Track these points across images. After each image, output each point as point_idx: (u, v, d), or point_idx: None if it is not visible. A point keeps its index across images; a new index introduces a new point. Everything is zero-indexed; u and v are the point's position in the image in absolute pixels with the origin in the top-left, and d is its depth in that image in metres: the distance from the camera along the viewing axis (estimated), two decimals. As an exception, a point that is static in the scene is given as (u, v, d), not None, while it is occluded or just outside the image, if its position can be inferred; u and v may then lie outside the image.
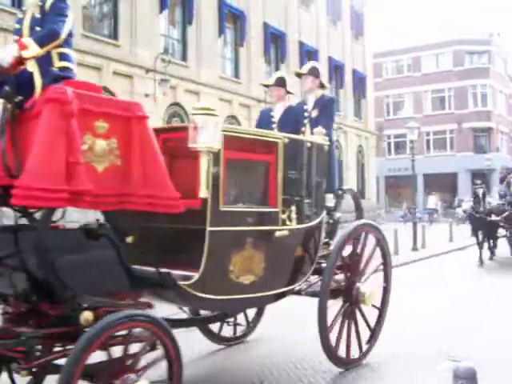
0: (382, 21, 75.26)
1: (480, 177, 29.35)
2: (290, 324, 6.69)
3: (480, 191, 13.20)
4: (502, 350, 5.88)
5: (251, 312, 6.33)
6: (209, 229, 3.93)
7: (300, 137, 5.14)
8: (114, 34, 16.88)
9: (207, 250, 3.90)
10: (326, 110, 5.87)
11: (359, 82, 30.76)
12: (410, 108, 43.17)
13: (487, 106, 41.55)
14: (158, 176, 3.57)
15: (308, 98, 6.00)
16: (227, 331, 6.08)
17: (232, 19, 21.72)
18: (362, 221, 5.86)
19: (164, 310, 4.56)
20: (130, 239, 3.83)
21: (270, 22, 23.31)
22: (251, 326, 6.43)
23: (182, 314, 5.08)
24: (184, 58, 19.30)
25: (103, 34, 16.70)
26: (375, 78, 36.96)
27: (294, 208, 4.65)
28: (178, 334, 4.79)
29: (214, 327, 5.95)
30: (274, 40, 23.87)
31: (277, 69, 22.38)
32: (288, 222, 4.58)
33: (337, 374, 5.19)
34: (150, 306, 3.81)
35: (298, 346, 5.88)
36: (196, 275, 3.86)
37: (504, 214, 12.89)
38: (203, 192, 3.84)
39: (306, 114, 5.69)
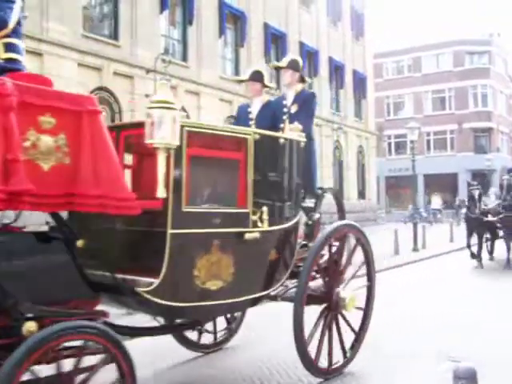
0: (383, 21, 75.44)
1: (480, 177, 29.33)
2: (286, 327, 6.66)
3: (476, 193, 12.99)
4: (502, 350, 5.86)
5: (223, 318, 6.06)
6: (170, 231, 3.66)
7: (273, 133, 4.78)
8: (115, 35, 16.89)
9: (168, 254, 3.64)
10: (306, 105, 5.49)
11: (359, 82, 30.78)
12: (410, 108, 43.20)
13: (487, 106, 41.56)
14: (112, 175, 3.30)
15: (287, 93, 5.63)
16: (204, 338, 5.83)
17: (232, 20, 21.73)
18: (343, 222, 5.53)
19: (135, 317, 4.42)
20: (80, 243, 3.57)
21: (270, 22, 23.33)
22: (230, 331, 6.16)
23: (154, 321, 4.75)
24: (184, 58, 19.32)
25: (103, 35, 16.71)
26: (375, 78, 36.96)
27: (265, 209, 4.32)
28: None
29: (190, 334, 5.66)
30: (275, 40, 23.88)
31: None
32: (259, 224, 4.27)
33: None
34: (104, 314, 3.56)
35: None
36: (156, 281, 3.60)
37: (500, 216, 12.79)
38: (161, 192, 3.56)
39: (285, 110, 5.45)
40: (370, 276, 5.66)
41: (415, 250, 16.46)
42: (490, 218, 12.90)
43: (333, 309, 5.11)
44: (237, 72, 21.86)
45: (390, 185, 42.64)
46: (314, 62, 26.65)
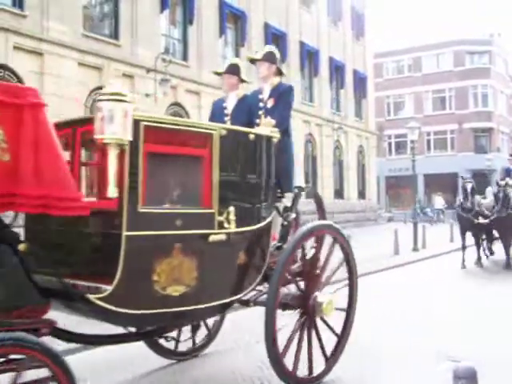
0: (383, 21, 75.41)
1: (481, 177, 29.23)
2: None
3: (469, 186, 12.64)
4: (502, 350, 5.86)
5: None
6: (125, 233, 3.42)
7: (241, 128, 4.51)
8: (115, 34, 16.88)
9: (124, 258, 3.40)
10: (283, 99, 5.17)
11: (360, 82, 30.78)
12: (410, 108, 43.22)
13: (488, 106, 41.59)
14: (57, 174, 3.06)
15: (263, 87, 5.28)
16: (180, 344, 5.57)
17: (233, 19, 21.73)
18: (321, 222, 5.24)
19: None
20: (22, 246, 3.31)
21: (270, 22, 23.34)
22: (209, 337, 5.90)
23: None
24: (185, 57, 19.32)
25: (104, 34, 16.69)
26: (376, 78, 36.98)
27: (233, 209, 4.06)
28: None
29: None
30: (275, 40, 23.82)
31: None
32: (226, 225, 4.02)
33: (336, 373, 5.08)
34: (51, 323, 3.32)
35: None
36: (109, 287, 3.37)
37: (492, 217, 12.63)
38: (111, 191, 3.33)
39: (261, 105, 5.18)
40: (352, 281, 5.31)
41: (415, 249, 16.47)
42: (481, 220, 12.73)
43: (310, 314, 4.82)
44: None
45: (390, 185, 42.65)
46: (315, 62, 26.67)
